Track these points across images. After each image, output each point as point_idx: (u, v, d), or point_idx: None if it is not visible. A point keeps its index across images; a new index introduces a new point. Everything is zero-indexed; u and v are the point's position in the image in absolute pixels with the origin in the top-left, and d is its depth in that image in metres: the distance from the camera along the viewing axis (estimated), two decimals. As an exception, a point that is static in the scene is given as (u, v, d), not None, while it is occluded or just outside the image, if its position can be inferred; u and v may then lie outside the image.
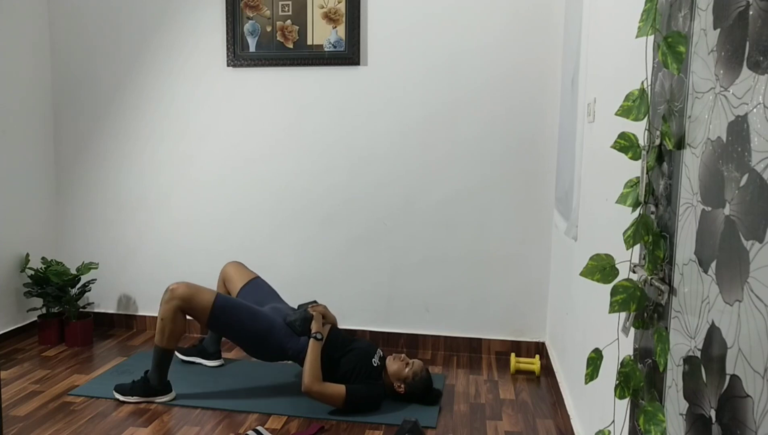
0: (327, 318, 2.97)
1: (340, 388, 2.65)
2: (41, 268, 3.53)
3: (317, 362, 2.68)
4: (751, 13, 0.93)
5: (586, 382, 1.49)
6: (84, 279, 3.69)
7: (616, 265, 1.42)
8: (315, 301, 3.00)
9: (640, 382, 1.42)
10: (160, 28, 3.59)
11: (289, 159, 3.53)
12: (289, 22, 3.42)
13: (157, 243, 3.73)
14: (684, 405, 1.16)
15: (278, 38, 3.44)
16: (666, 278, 1.31)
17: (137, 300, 3.82)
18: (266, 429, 2.53)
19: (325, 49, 3.40)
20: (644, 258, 1.40)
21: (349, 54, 3.37)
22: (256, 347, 2.78)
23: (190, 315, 2.71)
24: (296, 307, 3.00)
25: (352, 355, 2.77)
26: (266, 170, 3.56)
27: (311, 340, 2.73)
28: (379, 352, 2.86)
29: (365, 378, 2.73)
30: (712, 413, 1.02)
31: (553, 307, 3.17)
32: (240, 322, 2.72)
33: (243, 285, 3.09)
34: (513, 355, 3.26)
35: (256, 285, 3.11)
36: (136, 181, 3.72)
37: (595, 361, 1.49)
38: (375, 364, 2.78)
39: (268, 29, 3.45)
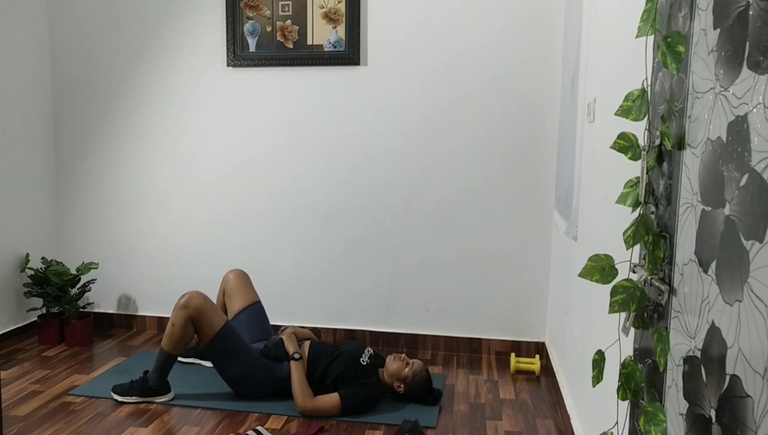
0: (300, 335, 2.98)
1: (333, 398, 2.65)
2: (41, 268, 3.53)
3: (303, 381, 2.69)
4: (751, 13, 0.93)
5: (594, 385, 1.49)
6: (84, 279, 3.69)
7: (616, 266, 1.41)
8: (282, 329, 3.00)
9: (640, 382, 1.42)
10: (160, 29, 3.59)
11: (290, 159, 3.53)
12: (289, 22, 3.42)
13: (157, 243, 3.73)
14: (684, 405, 1.16)
15: (278, 38, 3.44)
16: (666, 278, 1.31)
17: (137, 300, 3.82)
18: (266, 429, 2.53)
19: (325, 49, 3.40)
20: (644, 258, 1.40)
21: (349, 54, 3.37)
22: (248, 385, 2.78)
23: (196, 327, 2.70)
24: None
25: (338, 360, 2.77)
26: (266, 170, 3.56)
27: (291, 362, 2.74)
28: (369, 350, 2.85)
29: (356, 379, 2.72)
30: (712, 413, 1.02)
31: (553, 307, 3.17)
32: (235, 356, 2.73)
33: (242, 308, 3.06)
34: (513, 355, 3.26)
35: (254, 313, 3.08)
36: (136, 182, 3.72)
37: (599, 363, 1.48)
38: (364, 363, 2.77)
39: (268, 29, 3.45)
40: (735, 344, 0.94)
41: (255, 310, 3.10)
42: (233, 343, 2.73)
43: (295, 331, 2.96)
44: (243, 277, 3.15)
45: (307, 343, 2.89)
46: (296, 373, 2.71)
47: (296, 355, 2.75)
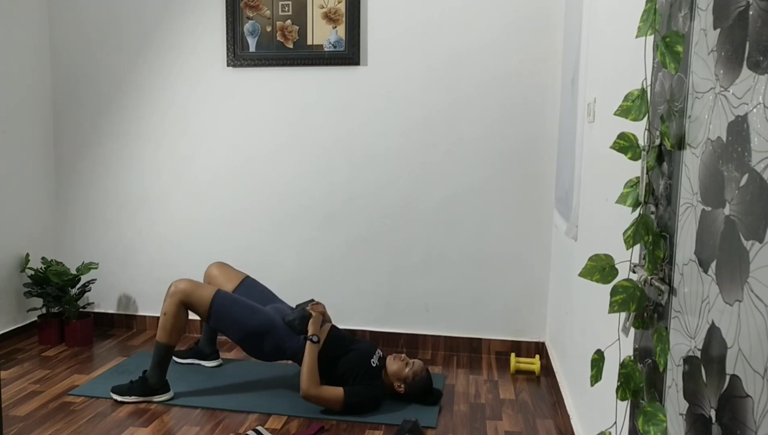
0: (325, 317, 2.97)
1: (338, 391, 2.65)
2: (41, 268, 3.53)
3: (314, 366, 2.68)
4: (751, 13, 0.93)
5: (592, 385, 1.49)
6: (84, 279, 3.69)
7: (616, 265, 1.41)
8: (313, 300, 2.99)
9: (640, 383, 1.42)
10: (160, 28, 3.59)
11: (290, 159, 3.53)
12: (289, 22, 3.42)
13: (157, 243, 3.73)
14: (684, 405, 1.16)
15: (278, 38, 3.44)
16: (666, 278, 1.31)
17: (137, 300, 3.82)
18: (266, 429, 2.53)
19: (325, 49, 3.40)
20: (644, 258, 1.40)
21: (349, 54, 3.37)
22: (254, 345, 2.77)
23: (191, 309, 2.74)
24: (294, 306, 2.99)
25: (350, 355, 2.77)
26: (266, 170, 3.56)
27: (307, 342, 2.73)
28: (379, 352, 2.85)
29: (363, 379, 2.72)
30: (712, 413, 1.02)
31: (553, 307, 3.17)
32: (239, 317, 2.73)
33: (234, 287, 3.04)
34: (513, 355, 3.26)
35: (250, 286, 3.07)
36: (136, 181, 3.72)
37: (598, 362, 1.49)
38: (374, 365, 2.77)
39: (268, 29, 3.45)
40: (735, 344, 0.94)
41: (249, 283, 3.08)
42: (232, 304, 2.74)
43: (323, 312, 2.95)
44: (223, 265, 3.14)
45: (327, 326, 2.88)
46: (310, 356, 2.69)
47: (314, 338, 2.74)
